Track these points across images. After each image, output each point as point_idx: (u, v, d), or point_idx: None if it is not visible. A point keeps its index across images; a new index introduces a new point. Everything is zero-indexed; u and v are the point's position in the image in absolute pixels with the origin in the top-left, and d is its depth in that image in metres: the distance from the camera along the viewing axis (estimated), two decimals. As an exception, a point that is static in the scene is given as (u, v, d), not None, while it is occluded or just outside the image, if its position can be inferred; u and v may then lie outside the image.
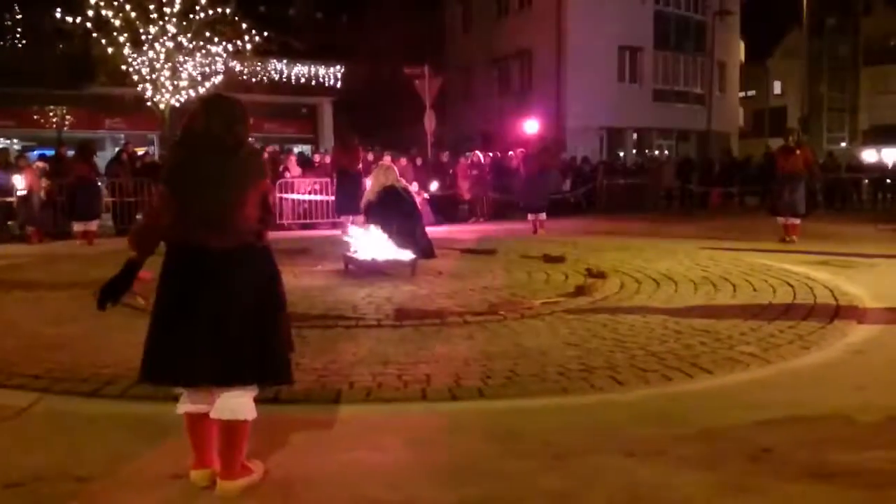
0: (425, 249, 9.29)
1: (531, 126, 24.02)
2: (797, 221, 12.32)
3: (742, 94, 42.02)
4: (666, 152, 32.57)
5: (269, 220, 3.45)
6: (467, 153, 20.84)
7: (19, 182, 13.90)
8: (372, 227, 9.09)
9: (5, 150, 19.10)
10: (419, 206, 10.60)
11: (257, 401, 3.42)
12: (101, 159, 16.88)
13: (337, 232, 13.03)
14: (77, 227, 13.57)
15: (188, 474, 3.33)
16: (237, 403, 3.28)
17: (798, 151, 12.44)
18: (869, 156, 32.59)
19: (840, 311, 6.64)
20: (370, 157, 17.12)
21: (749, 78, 45.65)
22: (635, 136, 32.77)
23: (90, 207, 13.70)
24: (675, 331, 5.98)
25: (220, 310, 3.18)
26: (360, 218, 9.62)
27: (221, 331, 3.17)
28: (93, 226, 13.63)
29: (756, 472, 3.36)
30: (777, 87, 55.07)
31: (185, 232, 3.22)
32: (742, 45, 37.82)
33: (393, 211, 9.09)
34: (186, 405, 3.36)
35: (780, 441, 3.67)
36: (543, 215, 15.17)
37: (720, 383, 4.72)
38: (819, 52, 47.38)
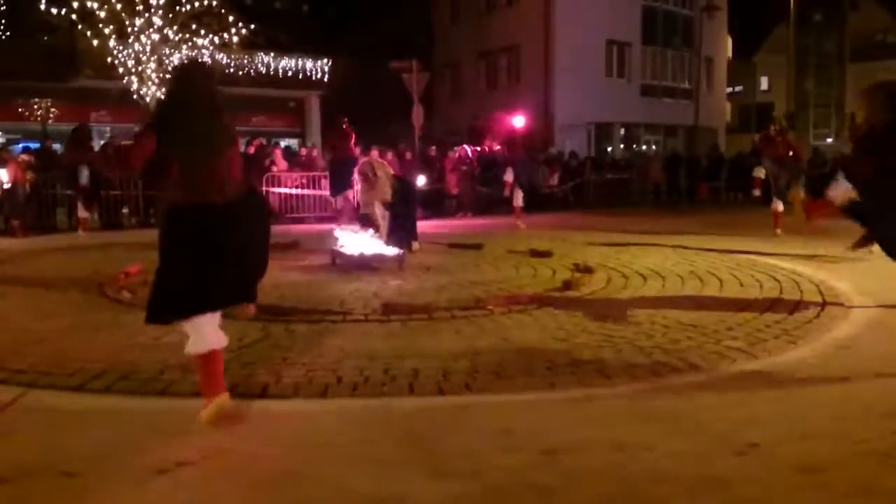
0: (406, 239, 9.34)
1: (518, 120, 24.04)
2: (780, 208, 12.31)
3: (729, 89, 42.18)
4: (654, 147, 32.66)
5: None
6: (455, 147, 20.82)
7: (3, 175, 13.79)
8: (390, 218, 9.09)
9: None
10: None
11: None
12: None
13: (324, 226, 13.01)
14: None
15: (174, 468, 3.32)
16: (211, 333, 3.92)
17: (779, 139, 12.43)
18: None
19: (826, 307, 6.67)
20: (357, 150, 17.09)
21: (736, 73, 45.79)
22: (623, 130, 32.87)
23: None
24: (662, 325, 6.00)
25: (235, 250, 3.82)
26: (350, 193, 9.65)
27: (237, 265, 3.83)
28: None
29: (743, 466, 3.37)
30: (764, 83, 55.30)
31: (190, 192, 3.70)
32: (729, 41, 37.97)
33: (409, 203, 9.12)
34: (209, 343, 3.88)
35: (767, 435, 3.68)
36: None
37: (707, 378, 4.73)
38: (806, 47, 47.67)
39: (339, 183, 14.26)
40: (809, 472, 3.30)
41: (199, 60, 4.08)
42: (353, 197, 12.97)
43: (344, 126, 14.55)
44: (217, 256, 3.77)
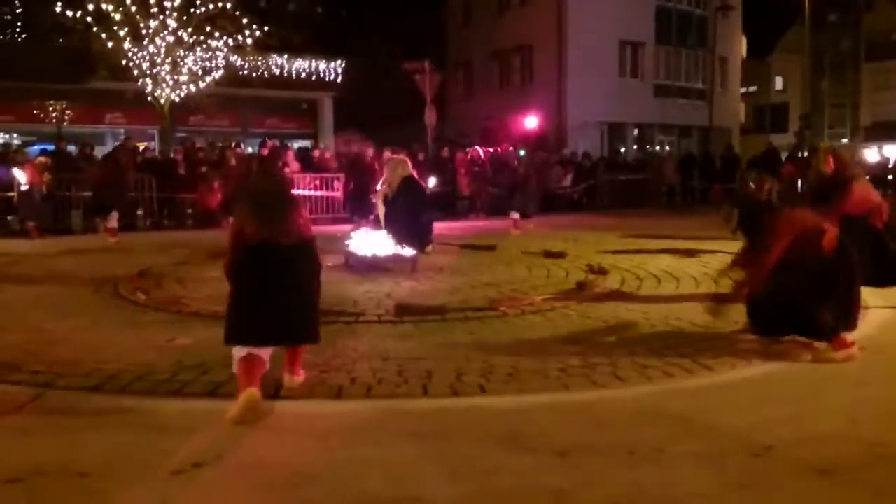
0: (420, 240, 9.29)
1: (531, 121, 24.01)
2: None
3: (743, 89, 41.91)
4: (667, 148, 32.52)
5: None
6: (467, 148, 20.81)
7: (21, 177, 13.87)
8: (387, 218, 9.04)
9: (8, 146, 19.13)
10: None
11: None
12: (101, 154, 16.84)
13: (337, 228, 13.00)
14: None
15: (188, 469, 3.35)
16: None
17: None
18: (870, 152, 32.55)
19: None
20: (370, 152, 17.08)
21: (750, 73, 45.54)
22: (636, 131, 32.72)
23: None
24: (676, 327, 5.98)
25: (290, 289, 4.34)
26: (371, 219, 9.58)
27: (291, 304, 4.33)
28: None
29: (758, 469, 3.36)
30: (778, 83, 54.99)
31: (260, 234, 4.33)
32: (743, 41, 37.75)
33: (407, 205, 9.06)
34: (245, 351, 4.23)
35: (782, 438, 3.66)
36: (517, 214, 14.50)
37: (722, 380, 4.71)
38: (821, 47, 47.30)
39: (360, 205, 13.56)
40: (825, 474, 3.28)
41: (278, 149, 4.94)
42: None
43: (368, 157, 14.23)
44: (271, 291, 4.30)
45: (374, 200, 9.66)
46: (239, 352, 4.24)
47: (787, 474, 3.30)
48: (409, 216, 8.92)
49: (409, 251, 8.93)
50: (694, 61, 33.16)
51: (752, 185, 6.49)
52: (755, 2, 37.54)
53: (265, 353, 4.30)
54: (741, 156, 26.59)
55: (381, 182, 9.55)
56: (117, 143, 15.03)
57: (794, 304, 5.13)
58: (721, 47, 32.24)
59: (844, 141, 48.67)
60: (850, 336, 5.20)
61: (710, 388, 4.56)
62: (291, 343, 4.50)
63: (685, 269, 8.79)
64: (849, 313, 5.28)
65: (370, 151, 14.82)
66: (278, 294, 4.29)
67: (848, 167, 6.95)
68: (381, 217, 9.15)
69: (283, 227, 4.40)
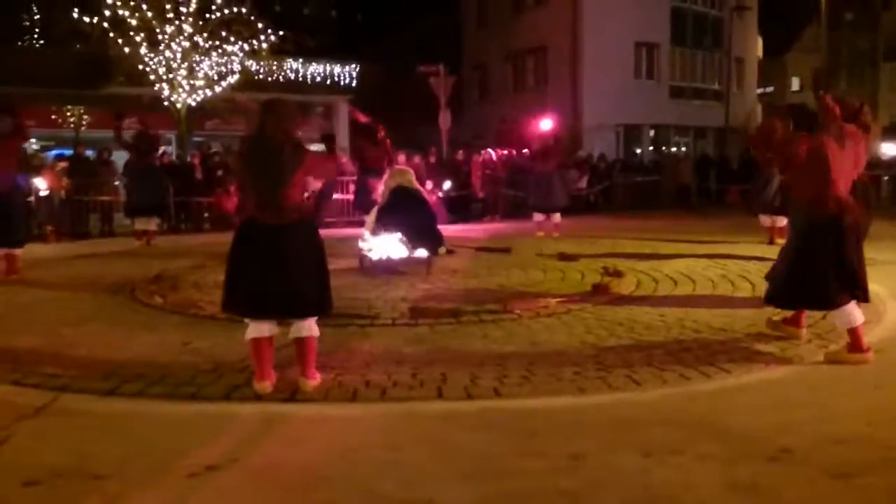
0: (435, 244, 9.30)
1: (546, 123, 23.95)
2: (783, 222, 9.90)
3: (760, 90, 41.70)
4: (683, 149, 32.39)
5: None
6: (481, 151, 20.80)
7: (41, 182, 13.99)
8: (384, 230, 9.09)
9: (26, 151, 19.25)
10: (432, 204, 10.57)
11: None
12: (119, 158, 16.95)
13: (352, 230, 13.02)
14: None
15: (203, 472, 3.37)
16: (305, 326, 4.62)
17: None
18: (889, 152, 32.22)
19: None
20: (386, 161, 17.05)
21: (767, 74, 45.30)
22: (652, 132, 32.60)
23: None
24: (692, 330, 5.95)
25: (282, 266, 4.42)
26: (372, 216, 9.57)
27: (282, 281, 4.42)
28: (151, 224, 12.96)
29: (775, 472, 3.33)
30: (795, 83, 54.65)
31: (250, 211, 4.48)
32: (759, 41, 37.59)
33: (404, 210, 9.09)
34: (253, 332, 4.53)
35: (799, 441, 3.64)
36: (558, 216, 13.97)
37: (738, 383, 4.69)
38: (837, 47, 46.97)
39: (366, 200, 13.14)
40: (842, 478, 3.26)
41: (277, 101, 4.61)
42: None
43: (381, 134, 13.99)
44: (265, 268, 4.42)
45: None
46: (248, 334, 4.56)
47: (803, 477, 3.28)
48: (408, 221, 8.93)
49: (422, 253, 8.93)
50: (710, 62, 33.03)
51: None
52: (771, 2, 37.31)
53: (266, 330, 4.56)
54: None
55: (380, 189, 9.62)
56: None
57: (807, 277, 5.11)
58: (737, 48, 32.09)
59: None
60: (866, 342, 5.14)
61: (726, 391, 4.53)
62: (282, 317, 4.63)
63: (701, 272, 8.74)
64: (860, 285, 5.24)
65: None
66: (268, 269, 4.41)
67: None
68: (372, 222, 9.23)
69: (275, 204, 4.42)
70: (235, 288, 4.50)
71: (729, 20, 31.10)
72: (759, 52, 38.08)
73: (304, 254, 4.53)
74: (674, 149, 32.18)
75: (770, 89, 51.41)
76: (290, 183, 4.46)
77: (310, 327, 4.64)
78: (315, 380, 4.63)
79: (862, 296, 5.23)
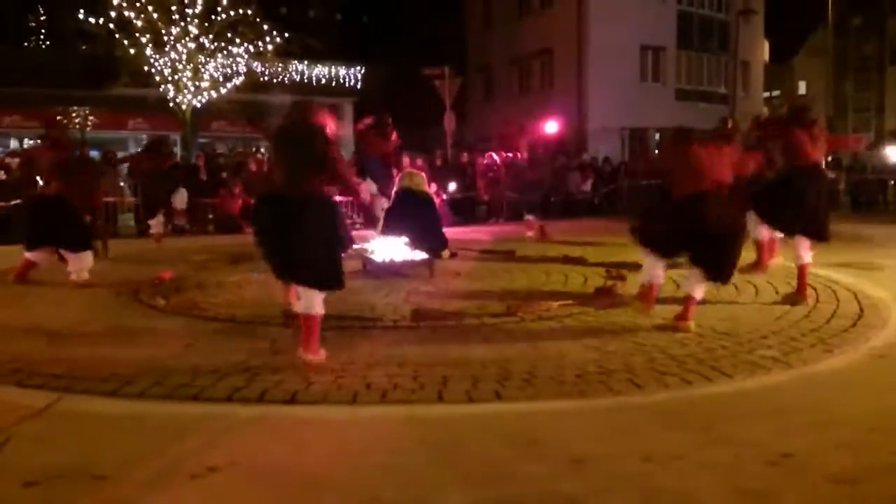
0: (437, 247, 9.31)
1: (552, 126, 23.94)
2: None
3: (766, 94, 41.67)
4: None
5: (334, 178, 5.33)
6: (484, 154, 20.82)
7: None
8: (388, 232, 9.12)
9: None
10: (437, 206, 10.58)
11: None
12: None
13: (356, 232, 12.99)
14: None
15: (205, 473, 3.36)
16: (305, 300, 5.05)
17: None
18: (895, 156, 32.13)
19: (864, 315, 6.55)
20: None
21: (773, 78, 45.26)
22: (658, 136, 32.58)
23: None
24: (695, 333, 5.93)
25: (293, 236, 4.90)
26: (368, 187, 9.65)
27: (290, 249, 4.95)
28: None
29: (776, 477, 3.32)
30: (802, 87, 54.60)
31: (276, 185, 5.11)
32: (766, 45, 37.55)
33: (409, 212, 9.13)
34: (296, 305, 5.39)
35: (801, 446, 3.63)
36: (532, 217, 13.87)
37: (740, 387, 4.67)
38: (844, 51, 46.96)
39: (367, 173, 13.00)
40: (844, 484, 3.24)
41: (307, 103, 5.46)
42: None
43: (383, 117, 13.87)
44: (278, 234, 4.97)
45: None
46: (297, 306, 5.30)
47: (804, 483, 3.26)
48: (411, 224, 8.95)
49: (424, 256, 8.94)
50: (716, 65, 33.01)
51: None
52: (778, 5, 37.32)
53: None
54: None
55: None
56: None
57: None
58: (743, 51, 32.04)
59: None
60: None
61: (728, 396, 4.52)
62: (290, 281, 5.26)
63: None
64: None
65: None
66: (279, 239, 4.96)
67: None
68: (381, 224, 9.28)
69: (297, 179, 4.92)
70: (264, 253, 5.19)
71: (735, 24, 31.06)
72: (766, 56, 38.02)
73: (316, 227, 4.95)
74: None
75: (777, 93, 51.38)
76: (313, 163, 4.97)
77: (309, 303, 5.01)
78: (315, 356, 4.94)
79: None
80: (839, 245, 11.10)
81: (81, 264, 8.52)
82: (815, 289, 7.62)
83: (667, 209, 6.30)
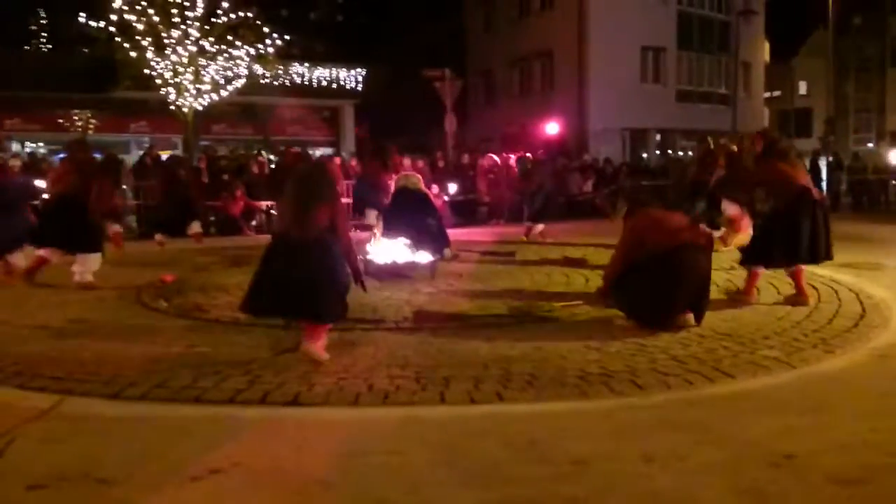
0: (438, 247, 9.31)
1: (552, 127, 23.96)
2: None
3: (767, 94, 41.64)
4: (690, 153, 32.33)
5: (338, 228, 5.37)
6: (485, 155, 20.83)
7: (44, 185, 14.00)
8: (388, 231, 9.12)
9: (34, 155, 19.36)
10: (438, 208, 10.59)
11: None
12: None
13: (357, 235, 13.01)
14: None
15: (207, 475, 3.38)
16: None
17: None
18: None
19: (866, 315, 6.55)
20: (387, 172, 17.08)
21: (774, 78, 45.23)
22: (659, 137, 32.57)
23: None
24: (697, 334, 5.93)
25: (296, 275, 5.10)
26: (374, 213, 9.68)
27: (296, 288, 5.11)
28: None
29: (778, 478, 3.32)
30: (802, 88, 54.59)
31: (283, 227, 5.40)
32: (767, 45, 37.53)
33: (408, 213, 9.13)
34: None
35: (803, 447, 3.63)
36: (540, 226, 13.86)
37: (742, 388, 4.67)
38: (845, 51, 46.91)
39: (364, 201, 13.37)
40: (846, 485, 3.24)
41: (325, 159, 5.41)
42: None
43: (388, 148, 13.99)
44: (285, 272, 5.13)
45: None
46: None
47: (806, 484, 3.26)
48: (410, 222, 8.95)
49: (425, 257, 8.94)
50: (716, 66, 33.01)
51: None
52: (778, 6, 37.29)
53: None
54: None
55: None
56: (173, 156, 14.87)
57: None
58: (744, 52, 32.05)
59: (870, 146, 48.15)
60: None
61: (730, 396, 4.52)
62: (292, 317, 5.41)
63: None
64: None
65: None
66: (285, 276, 5.11)
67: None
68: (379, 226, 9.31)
69: (302, 222, 5.17)
70: (259, 289, 5.27)
71: (736, 24, 31.06)
72: (767, 57, 38.00)
73: (320, 266, 5.15)
74: (680, 153, 32.13)
75: (777, 94, 51.34)
76: (318, 210, 5.22)
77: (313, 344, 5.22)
78: (317, 343, 5.18)
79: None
80: (841, 245, 11.10)
81: (88, 265, 8.54)
82: (816, 289, 7.63)
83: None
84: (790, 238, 6.95)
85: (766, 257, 7.17)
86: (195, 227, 12.60)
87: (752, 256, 7.29)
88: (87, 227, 8.54)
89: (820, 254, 7.09)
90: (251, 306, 5.35)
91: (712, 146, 7.36)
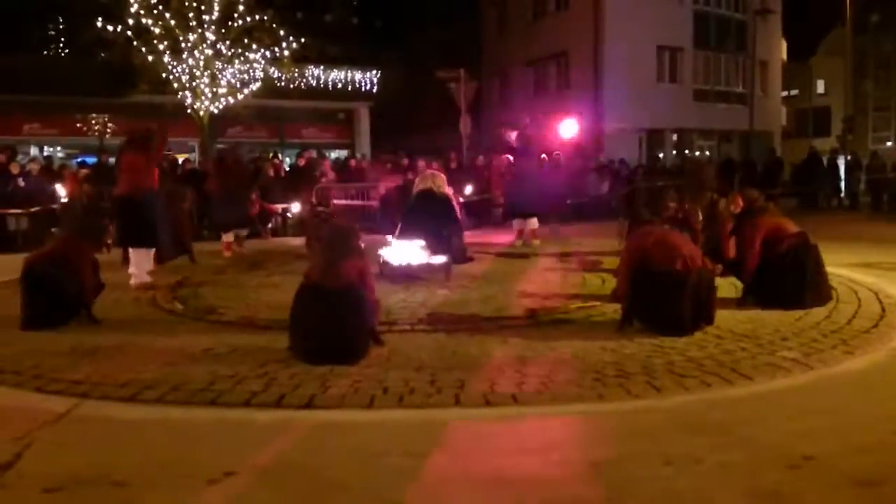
0: (457, 254, 9.28)
1: (568, 128, 23.84)
2: None
3: (784, 93, 41.34)
4: (707, 153, 32.18)
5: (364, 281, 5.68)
6: (500, 156, 20.76)
7: (61, 190, 14.14)
8: (407, 232, 9.10)
9: (51, 159, 19.51)
10: (458, 211, 10.54)
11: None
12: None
13: (372, 236, 12.97)
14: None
15: (223, 478, 3.38)
16: None
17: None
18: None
19: (885, 315, 6.48)
20: (405, 161, 17.08)
21: (791, 77, 44.95)
22: (675, 137, 32.41)
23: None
24: (714, 335, 5.88)
25: (328, 325, 5.32)
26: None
27: (327, 335, 5.30)
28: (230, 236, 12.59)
29: (797, 480, 3.28)
30: (820, 86, 54.15)
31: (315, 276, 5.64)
32: (784, 44, 37.27)
33: (426, 215, 9.11)
34: None
35: (822, 449, 3.58)
36: (534, 221, 13.13)
37: (761, 389, 4.62)
38: (863, 49, 46.54)
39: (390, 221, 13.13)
40: (866, 486, 3.20)
41: (348, 228, 6.31)
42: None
43: (405, 162, 13.81)
44: (319, 321, 5.36)
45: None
46: None
47: (826, 486, 3.23)
48: (428, 227, 8.92)
49: (440, 260, 8.91)
50: (733, 65, 32.84)
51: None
52: (796, 4, 37.02)
53: None
54: (784, 160, 26.23)
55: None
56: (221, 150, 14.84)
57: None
58: (761, 51, 31.84)
59: (889, 144, 47.73)
60: None
61: (748, 398, 4.47)
62: (327, 363, 5.23)
63: (725, 277, 8.64)
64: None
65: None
66: (319, 325, 5.33)
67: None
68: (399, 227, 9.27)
69: (333, 273, 5.51)
70: (297, 335, 5.52)
71: (752, 23, 30.86)
72: (784, 55, 37.73)
73: (351, 313, 5.38)
74: (697, 153, 31.96)
75: (795, 92, 50.97)
76: (347, 262, 5.58)
77: None
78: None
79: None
80: (860, 245, 11.04)
81: (142, 262, 8.75)
82: (835, 289, 7.54)
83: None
84: (799, 283, 6.94)
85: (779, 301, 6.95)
86: (228, 236, 12.38)
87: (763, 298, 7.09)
88: (144, 223, 8.69)
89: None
90: (295, 350, 5.47)
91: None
